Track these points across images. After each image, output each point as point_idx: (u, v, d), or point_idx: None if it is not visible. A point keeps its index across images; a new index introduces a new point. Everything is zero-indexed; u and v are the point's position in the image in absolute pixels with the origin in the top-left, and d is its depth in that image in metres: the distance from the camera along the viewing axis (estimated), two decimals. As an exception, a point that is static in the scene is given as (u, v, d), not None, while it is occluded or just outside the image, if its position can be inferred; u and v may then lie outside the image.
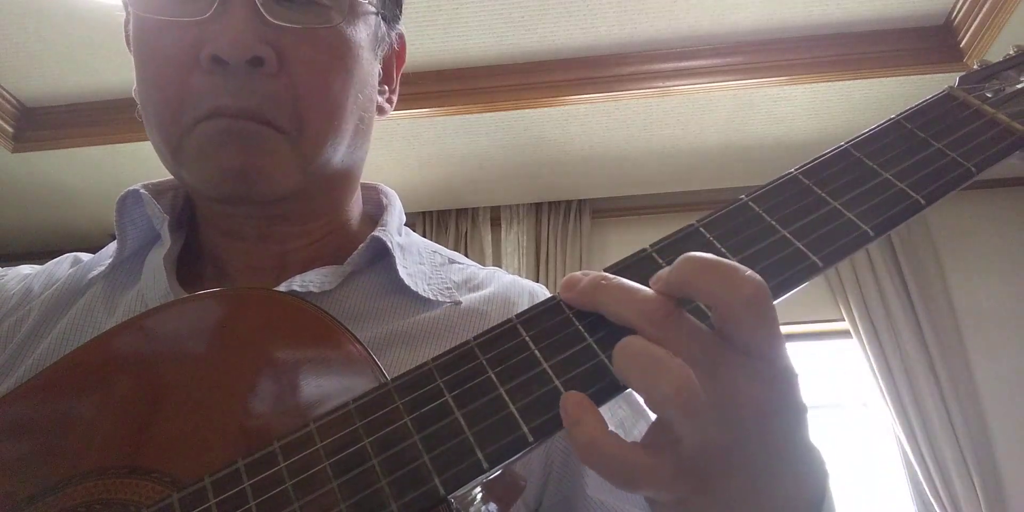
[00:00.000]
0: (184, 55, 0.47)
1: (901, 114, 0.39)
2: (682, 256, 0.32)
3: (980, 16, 2.02)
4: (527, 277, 2.86)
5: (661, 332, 0.31)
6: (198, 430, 0.38)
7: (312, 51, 0.49)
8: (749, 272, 0.30)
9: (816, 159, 0.38)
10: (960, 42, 2.15)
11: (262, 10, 0.47)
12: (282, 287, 0.49)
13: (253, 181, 0.48)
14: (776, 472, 0.31)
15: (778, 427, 0.31)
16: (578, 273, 0.34)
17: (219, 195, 0.51)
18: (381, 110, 0.60)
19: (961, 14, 2.09)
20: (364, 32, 0.53)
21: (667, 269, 0.32)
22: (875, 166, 0.37)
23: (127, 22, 0.54)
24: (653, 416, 0.49)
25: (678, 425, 0.30)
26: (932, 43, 2.19)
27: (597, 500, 0.50)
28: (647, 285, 0.33)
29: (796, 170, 0.38)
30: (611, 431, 0.30)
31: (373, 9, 0.53)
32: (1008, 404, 2.58)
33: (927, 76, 2.22)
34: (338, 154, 0.53)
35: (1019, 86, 0.38)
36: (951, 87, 0.40)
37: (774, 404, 0.31)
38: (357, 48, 0.52)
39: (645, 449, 0.30)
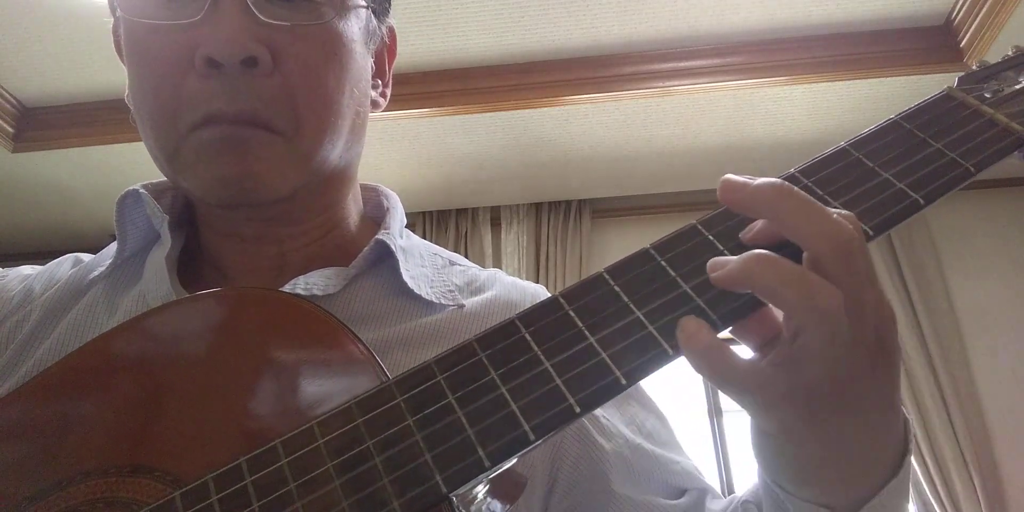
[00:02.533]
0: (178, 59, 0.47)
1: (900, 114, 0.39)
2: (770, 183, 0.33)
3: (980, 16, 2.02)
4: (527, 277, 2.87)
5: (843, 264, 0.31)
6: (200, 429, 0.38)
7: (306, 48, 0.49)
8: (836, 217, 0.32)
9: (815, 159, 0.38)
10: (960, 42, 2.15)
11: (253, 9, 0.46)
12: (285, 289, 0.49)
13: (251, 188, 0.48)
14: (880, 407, 0.34)
15: (885, 364, 0.33)
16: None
17: (217, 201, 0.50)
18: (375, 105, 0.60)
19: (961, 14, 2.09)
20: (356, 26, 0.53)
21: (750, 194, 0.33)
22: (874, 166, 0.37)
23: (116, 28, 0.54)
24: (663, 412, 0.51)
25: (815, 343, 0.31)
26: (932, 43, 2.19)
27: (624, 496, 0.51)
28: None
29: (795, 170, 0.38)
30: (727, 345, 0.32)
31: (363, 3, 0.53)
32: (1008, 404, 2.58)
33: (927, 76, 2.22)
34: (336, 151, 0.52)
35: (1017, 86, 0.38)
36: (950, 87, 0.40)
37: (890, 344, 0.33)
38: (350, 43, 0.52)
39: (761, 363, 0.32)
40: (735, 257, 0.33)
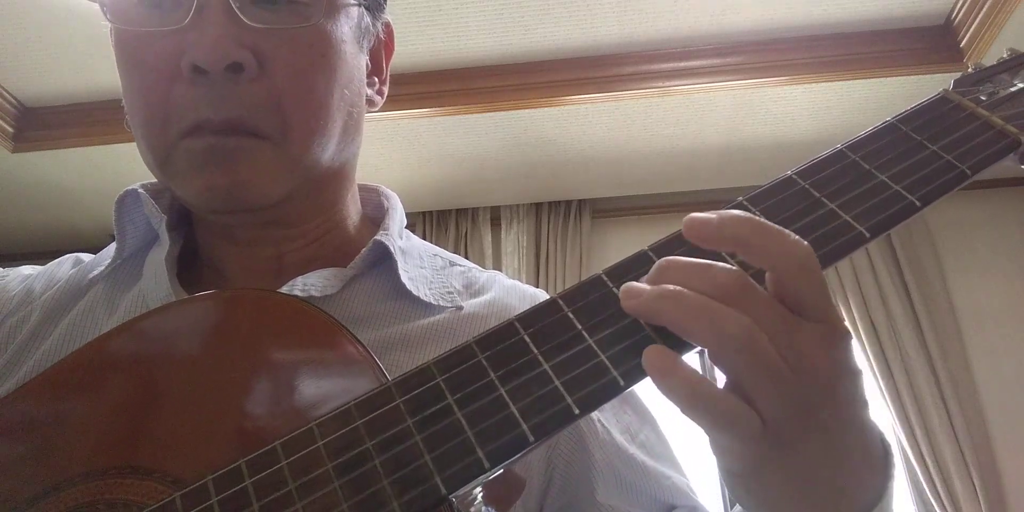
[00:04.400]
0: (165, 66, 0.46)
1: (896, 116, 0.39)
2: (733, 214, 0.33)
3: (980, 16, 2.02)
4: (527, 277, 2.87)
5: (741, 305, 0.31)
6: (198, 430, 0.38)
7: (292, 52, 0.48)
8: (796, 236, 0.32)
9: (812, 161, 0.38)
10: (960, 42, 2.15)
11: (239, 13, 0.46)
12: (283, 290, 0.49)
13: (240, 196, 0.48)
14: (847, 434, 0.33)
15: (846, 388, 0.33)
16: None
17: (209, 209, 0.51)
18: (371, 103, 0.59)
19: (961, 14, 2.09)
20: (346, 26, 0.52)
21: (717, 227, 0.33)
22: (871, 168, 0.37)
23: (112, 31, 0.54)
24: (661, 426, 0.50)
25: (749, 381, 0.31)
26: (932, 43, 2.19)
27: (608, 506, 0.50)
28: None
29: (792, 172, 0.38)
30: (703, 376, 0.31)
31: (354, 1, 0.53)
32: (1008, 404, 2.58)
33: (927, 76, 2.22)
34: (327, 153, 0.52)
35: (1013, 89, 0.38)
36: (946, 90, 0.40)
37: (840, 366, 0.32)
38: (339, 43, 0.51)
39: (730, 394, 0.32)
40: (648, 288, 0.33)
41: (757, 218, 0.33)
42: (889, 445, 0.37)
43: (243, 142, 0.47)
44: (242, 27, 0.46)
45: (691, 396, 0.31)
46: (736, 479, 0.36)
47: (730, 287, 0.32)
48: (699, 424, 0.32)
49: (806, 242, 0.32)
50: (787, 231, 0.33)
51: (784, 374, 0.31)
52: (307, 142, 0.50)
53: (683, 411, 0.32)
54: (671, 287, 0.32)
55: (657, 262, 0.34)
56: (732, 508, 0.46)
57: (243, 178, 0.47)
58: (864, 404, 0.34)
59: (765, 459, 0.33)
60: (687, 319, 0.31)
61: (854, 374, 0.33)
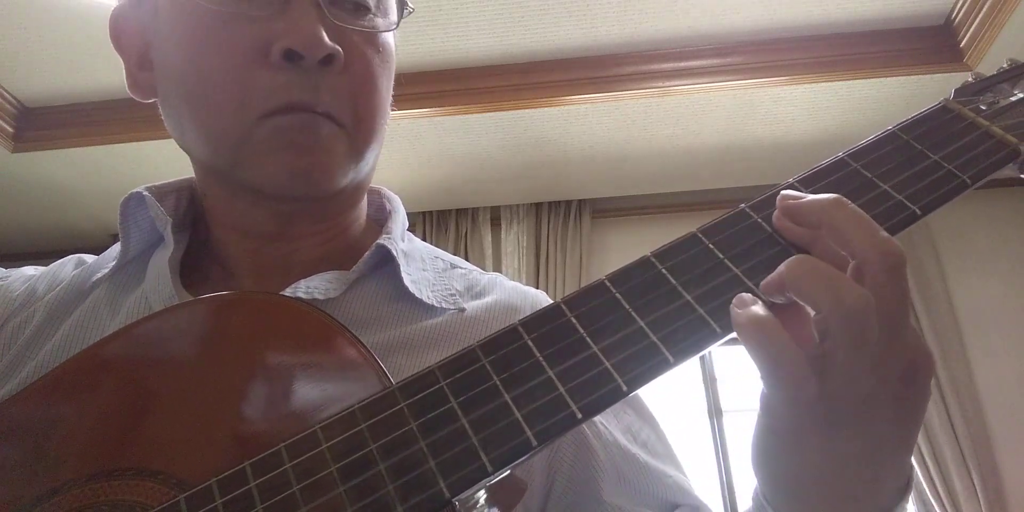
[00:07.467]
0: (249, 49, 0.47)
1: (897, 125, 0.40)
2: (832, 196, 0.34)
3: (980, 16, 2.03)
4: (527, 277, 2.87)
5: (888, 277, 0.32)
6: (202, 433, 0.38)
7: (367, 54, 0.51)
8: (886, 234, 0.34)
9: (813, 169, 0.38)
10: (960, 42, 2.15)
11: (325, 10, 0.48)
12: (286, 293, 0.49)
13: (316, 180, 0.49)
14: (892, 451, 0.35)
15: (913, 402, 0.34)
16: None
17: (279, 191, 0.51)
18: None
19: (961, 14, 2.09)
20: (393, 39, 0.55)
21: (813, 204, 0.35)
22: (872, 176, 0.38)
23: (118, 18, 0.54)
24: (661, 425, 0.51)
25: (841, 346, 0.32)
26: (932, 43, 2.19)
27: (614, 505, 0.50)
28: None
29: (795, 179, 0.38)
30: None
31: (398, 19, 0.55)
32: (1008, 404, 2.59)
33: (927, 76, 2.22)
34: (375, 153, 0.55)
35: (1012, 99, 0.39)
36: (946, 99, 0.41)
37: (921, 384, 0.34)
38: (394, 53, 0.55)
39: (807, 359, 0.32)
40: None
41: (855, 206, 0.34)
42: (913, 478, 0.38)
43: (329, 125, 0.49)
44: (327, 24, 0.48)
45: (760, 334, 0.32)
46: (776, 440, 0.36)
47: (896, 259, 0.32)
48: (759, 360, 0.33)
49: (899, 245, 0.33)
50: (881, 228, 0.33)
51: (874, 357, 0.32)
52: (368, 139, 0.53)
53: (745, 341, 0.33)
54: (801, 256, 0.33)
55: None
56: (737, 507, 0.46)
57: (323, 161, 0.49)
58: (917, 428, 0.35)
59: (814, 430, 0.33)
60: (810, 281, 0.32)
61: (924, 397, 0.34)
